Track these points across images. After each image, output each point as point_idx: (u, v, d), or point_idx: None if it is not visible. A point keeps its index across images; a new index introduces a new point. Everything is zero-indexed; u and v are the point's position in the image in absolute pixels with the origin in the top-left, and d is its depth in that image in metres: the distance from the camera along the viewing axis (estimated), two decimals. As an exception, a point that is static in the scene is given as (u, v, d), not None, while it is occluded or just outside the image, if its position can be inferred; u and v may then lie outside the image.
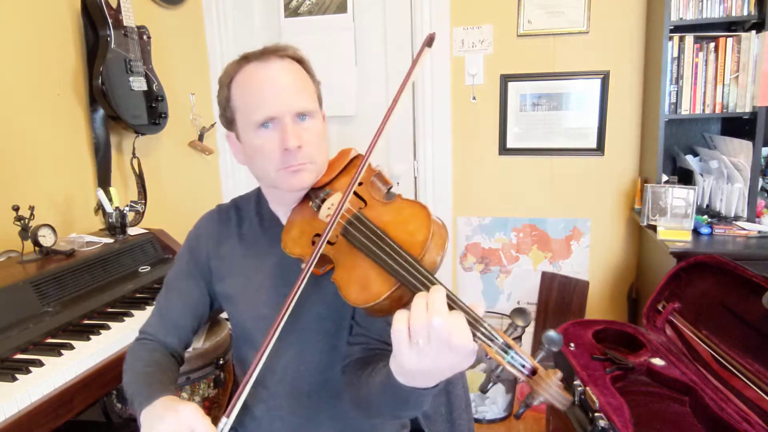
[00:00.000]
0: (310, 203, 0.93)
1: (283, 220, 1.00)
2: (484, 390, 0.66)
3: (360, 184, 0.87)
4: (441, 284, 0.67)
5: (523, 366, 0.62)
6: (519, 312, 0.66)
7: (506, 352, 0.63)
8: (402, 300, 0.71)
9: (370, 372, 0.84)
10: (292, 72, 0.92)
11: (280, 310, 0.78)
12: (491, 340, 0.63)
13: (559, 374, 0.62)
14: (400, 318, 0.64)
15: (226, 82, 0.93)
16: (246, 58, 0.92)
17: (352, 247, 0.79)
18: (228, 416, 0.76)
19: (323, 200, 0.91)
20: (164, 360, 0.99)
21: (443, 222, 0.77)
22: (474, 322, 0.64)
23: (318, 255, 0.80)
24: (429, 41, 0.88)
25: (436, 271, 0.72)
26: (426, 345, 0.62)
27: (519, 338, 0.65)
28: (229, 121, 0.96)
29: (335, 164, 0.98)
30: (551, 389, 0.60)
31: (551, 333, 0.63)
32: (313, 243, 0.82)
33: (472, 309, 0.65)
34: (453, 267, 2.73)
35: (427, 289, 0.66)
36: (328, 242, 0.83)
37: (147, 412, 0.83)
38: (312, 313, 0.95)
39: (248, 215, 1.05)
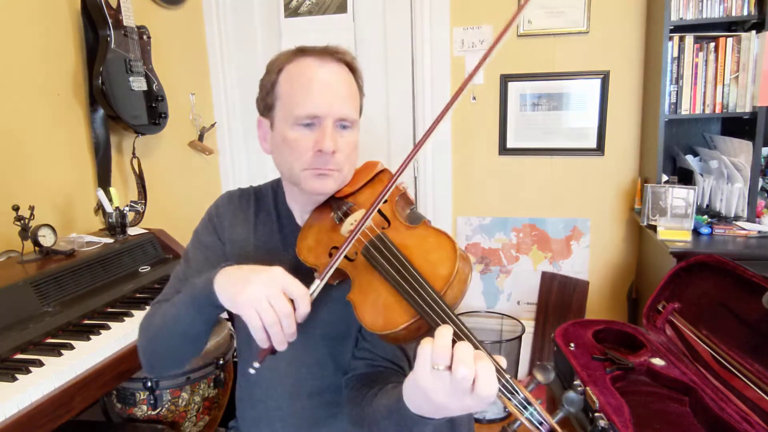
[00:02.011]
0: (332, 214, 0.91)
1: (298, 219, 1.00)
2: None
3: (385, 201, 0.85)
4: (466, 328, 0.66)
5: (541, 424, 0.60)
6: (541, 368, 0.64)
7: (525, 408, 0.61)
8: (419, 331, 0.70)
9: (376, 392, 0.83)
10: (345, 78, 0.91)
11: None
12: (512, 394, 0.62)
13: None
14: (425, 351, 0.63)
15: (276, 69, 0.91)
16: (303, 51, 0.90)
17: (371, 268, 0.78)
18: (321, 279, 0.77)
19: (346, 214, 0.89)
20: None
21: (467, 254, 0.75)
22: (496, 374, 0.62)
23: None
24: None
25: (458, 305, 0.71)
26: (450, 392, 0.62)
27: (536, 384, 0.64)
28: (267, 107, 0.93)
29: (360, 176, 0.96)
30: None
31: (571, 395, 0.62)
32: (330, 255, 0.81)
33: (495, 360, 0.64)
34: (453, 267, 2.73)
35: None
36: (347, 258, 0.82)
37: (224, 275, 0.80)
38: (317, 317, 0.95)
39: (266, 206, 1.04)
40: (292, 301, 0.75)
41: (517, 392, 0.62)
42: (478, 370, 0.60)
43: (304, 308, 0.75)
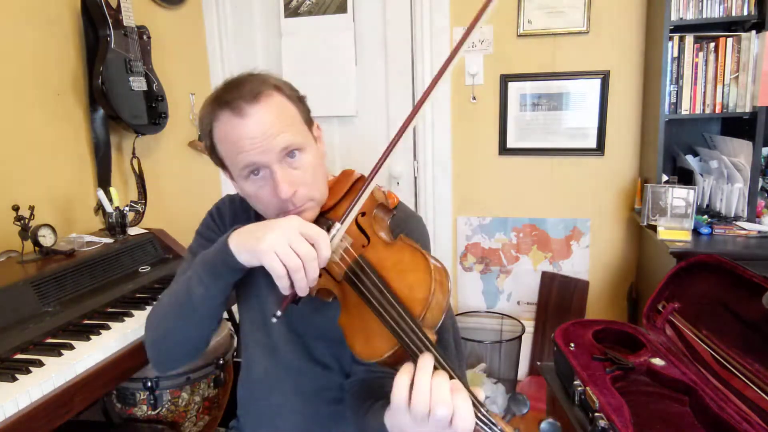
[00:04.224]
0: None
1: None
2: None
3: (363, 214, 0.85)
4: (442, 358, 0.66)
5: None
6: (516, 400, 0.66)
7: None
8: (405, 357, 0.70)
9: (369, 406, 0.85)
10: (269, 113, 0.84)
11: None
12: (489, 427, 0.62)
13: None
14: (401, 385, 0.64)
15: (207, 131, 0.90)
16: (219, 103, 0.86)
17: (355, 293, 0.78)
18: (341, 222, 0.78)
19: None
20: None
21: (442, 265, 0.75)
22: (474, 407, 0.63)
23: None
24: None
25: (439, 324, 0.72)
26: (424, 424, 0.62)
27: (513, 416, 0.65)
28: (219, 163, 0.93)
29: (337, 187, 0.93)
30: None
31: (544, 425, 0.63)
32: (320, 275, 0.81)
33: (473, 392, 0.64)
34: (453, 267, 2.73)
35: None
36: (335, 280, 0.82)
37: (239, 234, 0.81)
38: (314, 326, 0.96)
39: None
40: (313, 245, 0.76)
41: (494, 424, 0.62)
42: (456, 406, 0.61)
43: (326, 251, 0.76)
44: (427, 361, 0.64)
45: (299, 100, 0.92)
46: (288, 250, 0.74)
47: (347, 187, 0.92)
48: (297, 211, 0.87)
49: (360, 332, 0.76)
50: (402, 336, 0.69)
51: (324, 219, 0.91)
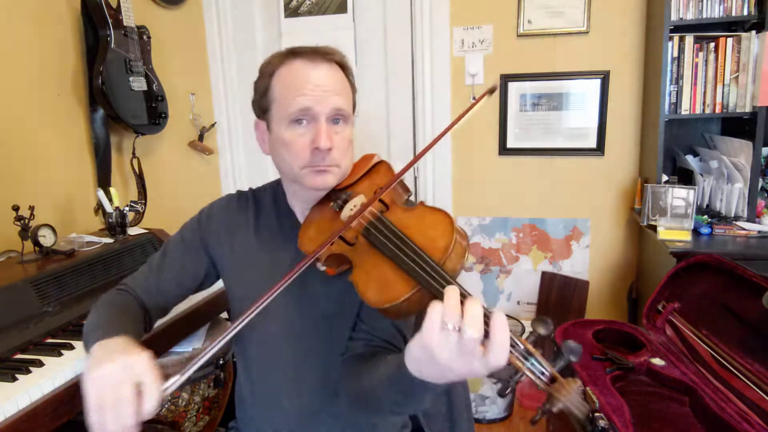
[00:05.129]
0: (331, 204, 0.93)
1: (300, 217, 1.01)
2: (502, 395, 0.65)
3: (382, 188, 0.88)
4: (468, 293, 0.65)
5: (543, 373, 0.61)
6: (540, 321, 0.65)
7: (527, 359, 0.62)
8: (422, 303, 0.70)
9: (374, 363, 0.84)
10: (336, 76, 0.93)
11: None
12: (513, 347, 0.62)
13: (579, 383, 0.61)
14: (436, 308, 0.62)
15: (269, 73, 0.93)
16: (294, 53, 0.92)
17: (372, 248, 0.79)
18: (182, 375, 0.72)
19: (345, 201, 0.91)
20: (135, 312, 1.00)
21: (465, 232, 0.77)
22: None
23: (327, 246, 0.80)
24: (491, 91, 0.93)
25: (457, 277, 0.72)
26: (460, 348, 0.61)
27: (536, 344, 0.64)
28: (262, 109, 0.96)
29: (357, 168, 0.98)
30: (572, 397, 0.60)
31: (571, 343, 0.62)
32: (332, 243, 0.82)
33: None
34: (453, 267, 2.73)
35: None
36: (348, 243, 0.83)
37: (99, 346, 0.80)
38: (318, 310, 0.96)
39: (266, 207, 1.05)
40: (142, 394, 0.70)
41: (517, 344, 0.62)
42: (492, 331, 0.59)
43: (150, 405, 0.70)
44: (453, 290, 0.62)
45: (354, 91, 0.99)
46: (107, 390, 0.69)
47: (367, 168, 0.97)
48: (322, 168, 0.91)
49: (374, 281, 0.76)
50: (424, 276, 0.69)
51: (344, 191, 0.94)
